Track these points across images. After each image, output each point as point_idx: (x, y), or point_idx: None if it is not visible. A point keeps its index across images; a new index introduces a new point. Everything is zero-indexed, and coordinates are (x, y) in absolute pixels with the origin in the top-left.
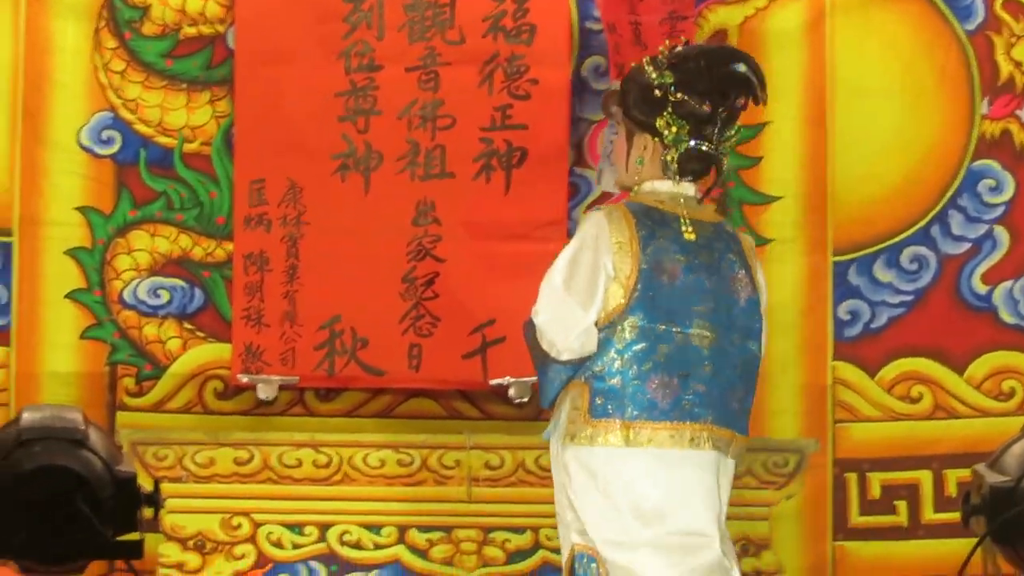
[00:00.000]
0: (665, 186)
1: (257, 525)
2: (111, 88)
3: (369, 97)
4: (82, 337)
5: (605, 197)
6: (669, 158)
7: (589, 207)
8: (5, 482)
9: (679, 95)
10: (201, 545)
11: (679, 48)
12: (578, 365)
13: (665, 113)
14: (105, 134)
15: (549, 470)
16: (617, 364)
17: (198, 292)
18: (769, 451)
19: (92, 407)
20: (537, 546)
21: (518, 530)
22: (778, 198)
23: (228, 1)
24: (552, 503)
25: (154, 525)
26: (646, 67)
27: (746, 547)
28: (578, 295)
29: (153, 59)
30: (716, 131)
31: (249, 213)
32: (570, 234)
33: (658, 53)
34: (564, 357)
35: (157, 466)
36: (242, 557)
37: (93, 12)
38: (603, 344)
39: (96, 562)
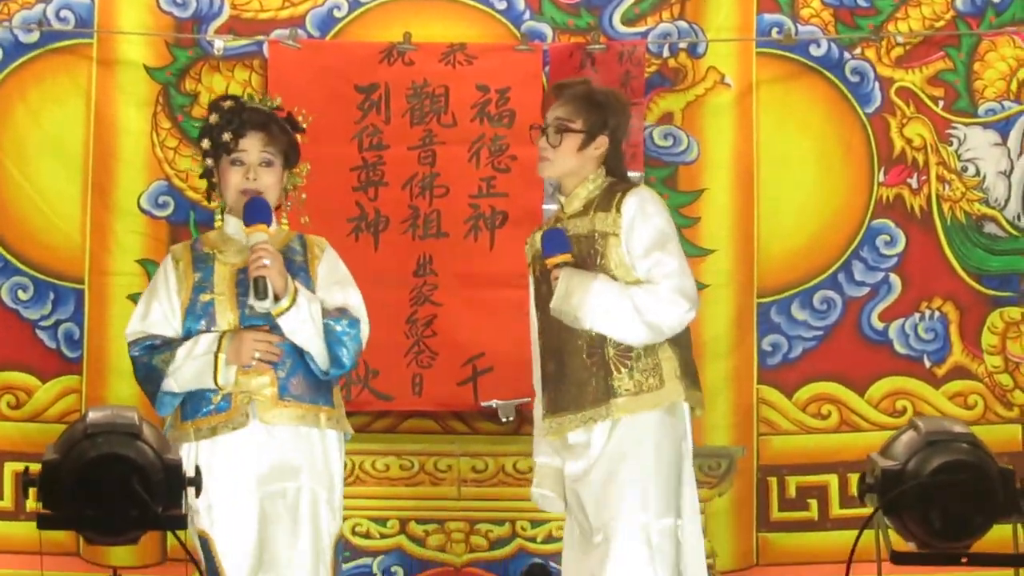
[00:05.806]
0: None
1: None
2: (166, 162)
3: (378, 171)
4: None
5: None
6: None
7: None
8: (74, 468)
9: None
10: None
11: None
12: None
13: None
14: (161, 199)
15: (525, 472)
16: None
17: None
18: (705, 456)
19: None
20: (514, 535)
21: (499, 522)
22: (713, 251)
23: (262, 88)
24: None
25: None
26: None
27: None
28: None
29: None
30: None
31: None
32: None
33: None
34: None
35: None
36: None
37: (152, 99)
38: None
39: (152, 548)
